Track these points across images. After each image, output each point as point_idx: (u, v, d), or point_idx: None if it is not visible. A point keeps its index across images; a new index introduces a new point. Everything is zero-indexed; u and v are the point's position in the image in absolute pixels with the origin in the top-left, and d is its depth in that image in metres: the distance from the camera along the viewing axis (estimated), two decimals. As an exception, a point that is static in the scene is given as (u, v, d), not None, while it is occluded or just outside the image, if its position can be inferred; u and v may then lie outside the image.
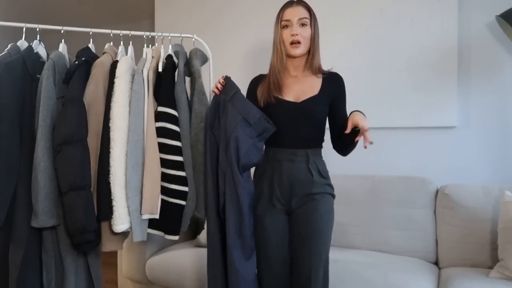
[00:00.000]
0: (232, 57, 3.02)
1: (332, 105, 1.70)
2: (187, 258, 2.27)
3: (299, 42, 1.64)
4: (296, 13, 1.65)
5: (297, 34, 1.63)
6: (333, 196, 1.69)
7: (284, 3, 1.74)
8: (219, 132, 1.68)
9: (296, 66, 1.72)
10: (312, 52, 1.68)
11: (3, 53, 1.73)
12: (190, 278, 2.20)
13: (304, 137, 1.66)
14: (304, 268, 1.58)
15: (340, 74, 1.75)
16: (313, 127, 1.67)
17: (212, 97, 1.76)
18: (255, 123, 1.62)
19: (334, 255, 2.06)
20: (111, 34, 1.95)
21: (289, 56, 1.69)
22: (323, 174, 1.67)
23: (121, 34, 1.95)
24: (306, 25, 1.66)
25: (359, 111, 1.58)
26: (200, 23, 3.17)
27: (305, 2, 1.70)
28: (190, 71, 1.93)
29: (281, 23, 1.67)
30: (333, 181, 1.70)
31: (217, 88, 1.72)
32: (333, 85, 1.70)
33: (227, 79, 1.72)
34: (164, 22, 3.35)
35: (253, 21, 2.94)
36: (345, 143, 1.66)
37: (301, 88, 1.68)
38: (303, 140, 1.66)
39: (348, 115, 1.62)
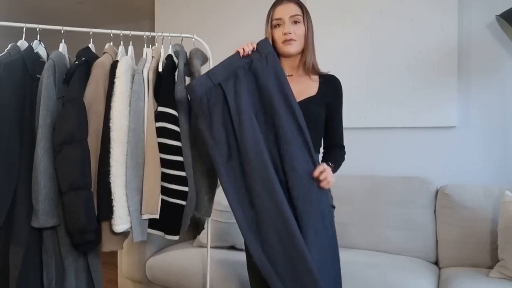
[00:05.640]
0: (232, 57, 3.02)
1: (328, 108, 1.59)
2: (187, 258, 2.27)
3: (293, 40, 1.53)
4: (287, 11, 1.53)
5: (290, 33, 1.51)
6: (333, 206, 1.58)
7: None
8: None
9: (292, 65, 1.61)
10: (305, 50, 1.57)
11: (3, 53, 1.72)
12: (190, 278, 2.20)
13: None
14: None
15: (341, 74, 1.67)
16: (311, 129, 1.53)
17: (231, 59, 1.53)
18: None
19: (334, 255, 2.07)
20: (111, 34, 1.95)
21: (284, 56, 1.58)
22: None
23: (121, 34, 1.95)
24: (299, 22, 1.54)
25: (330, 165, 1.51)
26: (200, 22, 3.17)
27: None
28: (190, 71, 1.92)
29: (272, 22, 1.56)
30: (333, 181, 1.66)
31: (243, 50, 1.52)
32: (331, 88, 1.60)
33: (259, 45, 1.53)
34: (164, 22, 3.36)
35: (253, 21, 2.94)
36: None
37: (298, 88, 1.56)
38: None
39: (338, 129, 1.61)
